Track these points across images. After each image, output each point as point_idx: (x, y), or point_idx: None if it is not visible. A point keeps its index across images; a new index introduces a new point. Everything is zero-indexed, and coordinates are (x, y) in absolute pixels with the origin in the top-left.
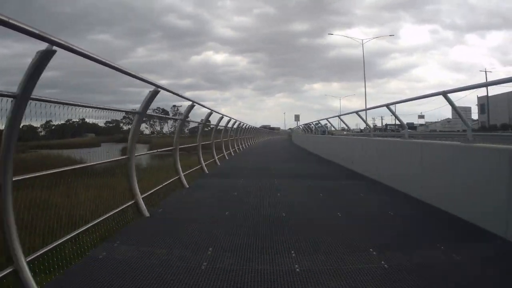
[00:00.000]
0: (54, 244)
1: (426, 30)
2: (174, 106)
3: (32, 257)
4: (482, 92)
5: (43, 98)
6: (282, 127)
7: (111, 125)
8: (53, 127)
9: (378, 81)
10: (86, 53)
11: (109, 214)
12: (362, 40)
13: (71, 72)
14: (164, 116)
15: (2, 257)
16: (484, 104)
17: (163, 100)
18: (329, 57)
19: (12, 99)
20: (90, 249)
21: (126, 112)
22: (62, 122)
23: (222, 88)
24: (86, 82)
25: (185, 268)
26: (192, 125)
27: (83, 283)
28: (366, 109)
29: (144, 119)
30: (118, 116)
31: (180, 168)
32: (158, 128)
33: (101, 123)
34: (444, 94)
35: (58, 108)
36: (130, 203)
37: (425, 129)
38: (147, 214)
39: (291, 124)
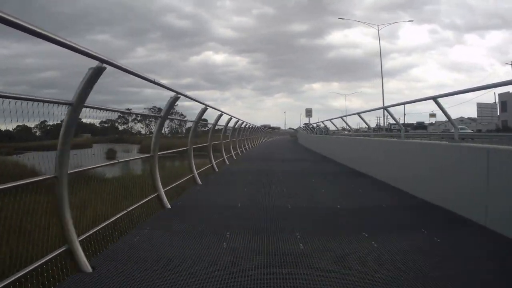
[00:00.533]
0: (100, 226)
1: (425, 30)
2: None
3: (83, 236)
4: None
5: (94, 106)
6: (282, 127)
7: (106, 125)
8: (48, 128)
9: (377, 81)
10: (131, 70)
11: (137, 204)
12: (378, 25)
13: (71, 73)
14: (181, 119)
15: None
16: (506, 101)
17: (158, 100)
18: (328, 57)
19: (68, 106)
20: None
21: (153, 116)
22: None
23: (221, 88)
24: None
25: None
26: (187, 124)
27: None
28: (383, 108)
29: (139, 119)
30: (114, 115)
31: (194, 166)
32: (152, 128)
33: (97, 123)
34: (434, 98)
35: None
36: (153, 195)
37: (436, 128)
38: (168, 206)
39: (293, 123)
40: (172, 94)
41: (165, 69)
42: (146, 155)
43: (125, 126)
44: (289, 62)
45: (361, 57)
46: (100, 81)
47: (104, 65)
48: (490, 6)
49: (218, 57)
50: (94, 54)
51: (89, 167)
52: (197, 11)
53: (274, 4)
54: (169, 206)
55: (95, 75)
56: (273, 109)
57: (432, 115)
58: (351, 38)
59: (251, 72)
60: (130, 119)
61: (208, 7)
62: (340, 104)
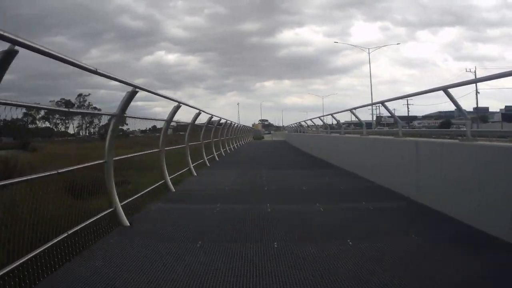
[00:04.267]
0: (138, 195)
1: (377, 27)
2: (81, 95)
3: (124, 202)
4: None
5: (129, 116)
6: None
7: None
8: None
9: (329, 77)
10: (160, 93)
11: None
12: (368, 49)
13: (28, 75)
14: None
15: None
16: None
17: (114, 101)
18: (280, 55)
19: (112, 116)
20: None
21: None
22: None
23: (174, 87)
24: (41, 84)
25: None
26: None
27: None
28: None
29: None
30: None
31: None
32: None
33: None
34: (382, 103)
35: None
36: (184, 170)
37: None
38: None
39: (247, 120)
40: None
41: (119, 70)
42: (181, 146)
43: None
44: (241, 61)
45: (313, 54)
46: (56, 83)
47: (137, 89)
48: (443, 3)
49: (171, 57)
50: (129, 82)
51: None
52: (150, 11)
53: (226, 3)
54: (174, 190)
55: (129, 97)
56: (226, 108)
57: None
58: (303, 37)
59: (204, 71)
60: (37, 117)
61: (161, 7)
62: (292, 101)
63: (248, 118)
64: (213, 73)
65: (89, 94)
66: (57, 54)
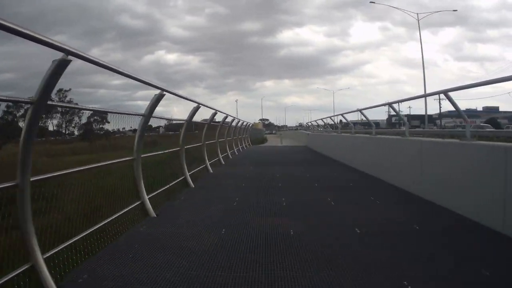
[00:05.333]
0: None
1: (377, 28)
2: (61, 90)
3: (151, 195)
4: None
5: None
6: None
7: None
8: None
9: (329, 77)
10: (187, 96)
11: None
12: (417, 14)
13: (30, 74)
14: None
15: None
16: None
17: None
18: (280, 55)
19: (142, 116)
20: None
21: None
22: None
23: (175, 87)
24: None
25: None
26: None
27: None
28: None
29: None
30: None
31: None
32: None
33: None
34: (390, 104)
35: None
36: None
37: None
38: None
39: (248, 118)
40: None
41: (120, 69)
42: (200, 142)
43: None
44: (242, 61)
45: (312, 54)
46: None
47: (164, 92)
48: (443, 3)
49: (171, 56)
50: (156, 84)
51: (154, 153)
52: (150, 10)
53: (226, 3)
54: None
55: (157, 99)
56: (227, 107)
57: None
58: (302, 37)
59: (204, 70)
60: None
61: (161, 6)
62: (292, 101)
63: (248, 117)
64: (213, 72)
65: (70, 89)
66: (109, 65)
